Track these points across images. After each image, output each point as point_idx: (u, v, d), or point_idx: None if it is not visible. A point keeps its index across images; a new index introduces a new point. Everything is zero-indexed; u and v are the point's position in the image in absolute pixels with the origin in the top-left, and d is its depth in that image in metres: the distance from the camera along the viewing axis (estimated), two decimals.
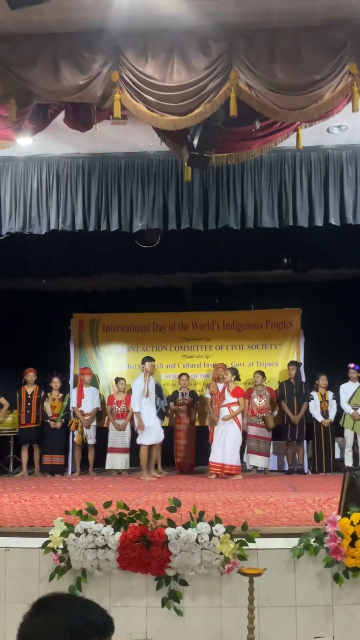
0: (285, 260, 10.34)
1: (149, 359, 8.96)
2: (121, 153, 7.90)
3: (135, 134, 7.18)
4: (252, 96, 5.57)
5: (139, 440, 8.72)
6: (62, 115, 6.36)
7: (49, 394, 9.65)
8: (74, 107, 6.19)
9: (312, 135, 7.17)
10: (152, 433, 8.58)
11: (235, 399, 8.73)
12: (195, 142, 6.10)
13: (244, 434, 9.57)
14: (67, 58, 5.54)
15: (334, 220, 7.67)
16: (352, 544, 3.79)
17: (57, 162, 7.96)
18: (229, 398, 8.75)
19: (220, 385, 9.66)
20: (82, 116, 6.23)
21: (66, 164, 7.94)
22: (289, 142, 6.59)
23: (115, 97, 5.61)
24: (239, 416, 8.83)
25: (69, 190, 7.88)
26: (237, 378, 9.09)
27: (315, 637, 3.78)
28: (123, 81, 5.63)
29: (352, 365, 9.59)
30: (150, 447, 8.63)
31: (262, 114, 5.87)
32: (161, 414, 9.65)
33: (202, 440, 9.77)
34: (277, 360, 10.46)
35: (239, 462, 8.69)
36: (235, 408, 8.71)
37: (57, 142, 7.50)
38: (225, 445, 8.53)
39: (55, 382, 9.70)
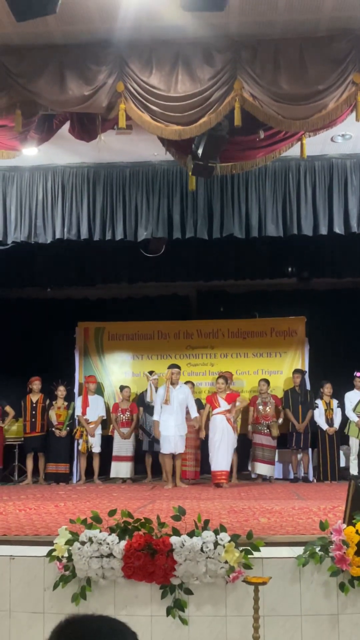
0: (290, 269, 10.37)
1: (172, 366, 8.82)
2: (126, 163, 7.95)
3: (140, 143, 7.23)
4: (256, 106, 5.61)
5: (161, 449, 8.75)
6: (67, 125, 6.41)
7: (54, 402, 9.67)
8: (79, 118, 6.24)
9: (316, 144, 7.21)
10: (170, 442, 8.42)
11: (229, 406, 8.83)
12: (200, 151, 6.14)
13: (249, 442, 9.58)
14: (72, 69, 5.60)
15: (338, 229, 7.69)
16: (357, 553, 3.78)
17: (62, 171, 8.02)
18: (224, 405, 8.81)
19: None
20: (87, 126, 6.28)
21: (71, 174, 7.99)
22: (293, 151, 6.61)
23: (120, 108, 5.66)
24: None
25: (74, 200, 7.94)
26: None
27: None
28: (128, 91, 5.68)
29: (358, 373, 9.58)
30: (172, 456, 8.53)
31: (266, 124, 5.91)
32: None
33: (207, 448, 9.74)
34: (281, 368, 10.46)
35: (227, 466, 8.74)
36: (229, 415, 8.80)
37: (63, 152, 7.56)
38: (220, 451, 8.58)
39: (61, 391, 9.72)
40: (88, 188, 7.94)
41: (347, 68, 5.55)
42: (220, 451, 8.58)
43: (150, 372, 9.98)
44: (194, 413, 8.57)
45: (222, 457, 8.60)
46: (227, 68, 5.61)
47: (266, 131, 6.23)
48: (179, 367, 8.82)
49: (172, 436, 8.38)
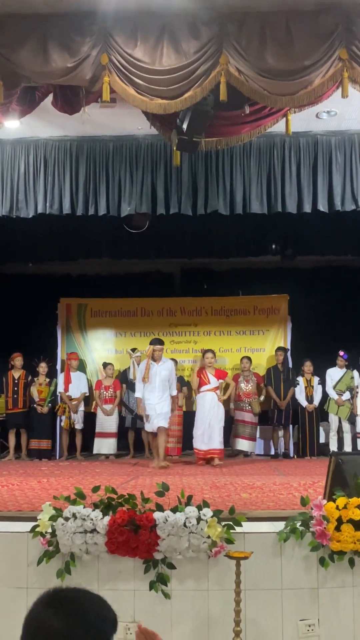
0: (274, 247, 10.36)
1: (153, 342, 8.31)
2: (109, 136, 7.84)
3: (124, 117, 7.13)
4: (241, 81, 5.55)
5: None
6: (50, 97, 6.29)
7: (35, 378, 9.63)
8: (62, 90, 6.13)
9: (302, 121, 7.17)
10: (150, 420, 8.06)
11: (218, 382, 8.66)
12: (185, 126, 6.07)
13: (231, 419, 9.64)
14: (55, 40, 5.49)
15: (323, 206, 7.68)
16: (337, 528, 3.84)
17: (44, 145, 7.89)
18: (214, 381, 8.62)
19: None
20: (71, 99, 6.18)
21: (54, 147, 7.87)
22: (278, 127, 6.57)
23: (104, 80, 5.57)
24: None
25: (56, 174, 7.82)
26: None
27: (300, 620, 3.84)
28: (112, 64, 5.59)
29: (341, 353, 9.66)
30: (153, 434, 8.18)
31: (251, 99, 5.86)
32: None
33: (189, 425, 9.80)
34: (264, 346, 10.52)
35: (222, 444, 8.53)
36: (219, 392, 8.67)
37: (45, 125, 7.43)
38: (213, 430, 8.37)
39: (42, 367, 9.68)
40: (71, 162, 7.82)
41: (333, 43, 5.50)
42: (214, 430, 8.37)
43: (133, 350, 9.98)
44: (173, 391, 8.19)
45: (216, 435, 8.39)
46: (213, 41, 5.53)
47: (251, 106, 6.18)
48: (162, 343, 8.31)
49: (152, 415, 7.99)
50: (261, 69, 5.53)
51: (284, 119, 6.37)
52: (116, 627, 1.48)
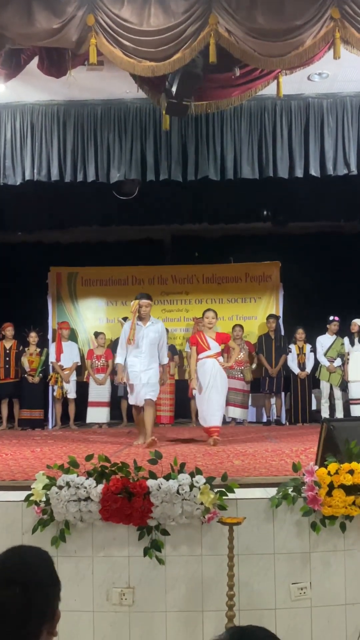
0: (265, 213, 10.27)
1: (140, 296, 7.05)
2: (97, 100, 7.67)
3: (112, 80, 6.97)
4: (231, 42, 5.43)
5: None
6: (35, 60, 6.13)
7: (26, 348, 9.60)
8: (48, 52, 5.97)
9: (293, 83, 7.02)
10: (134, 391, 6.88)
11: (219, 347, 7.27)
12: (174, 89, 5.95)
13: None
14: (40, 0, 5.32)
15: (314, 171, 7.58)
16: (329, 493, 3.87)
17: (31, 109, 7.71)
18: (215, 346, 7.17)
19: None
20: (57, 62, 6.02)
21: (40, 112, 7.69)
22: (269, 90, 6.44)
23: (90, 42, 5.44)
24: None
25: (44, 140, 7.66)
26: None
27: (292, 583, 3.90)
28: (99, 25, 5.45)
29: (335, 317, 9.66)
30: (137, 408, 7.00)
31: (242, 61, 5.73)
32: None
33: (181, 393, 9.85)
34: (256, 313, 10.51)
35: (220, 421, 7.20)
36: (222, 359, 7.33)
37: (31, 89, 7.25)
38: (211, 403, 7.01)
39: (33, 337, 9.64)
40: (58, 127, 7.66)
41: (325, 2, 5.37)
42: (212, 403, 6.99)
43: (124, 319, 9.93)
44: (163, 359, 7.02)
45: (216, 410, 7.05)
46: (202, 1, 5.41)
47: (242, 69, 6.06)
48: (149, 298, 7.08)
49: (136, 385, 6.81)
50: (251, 30, 5.41)
51: (275, 81, 6.25)
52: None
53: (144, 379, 6.79)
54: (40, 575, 1.49)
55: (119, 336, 9.83)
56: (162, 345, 6.99)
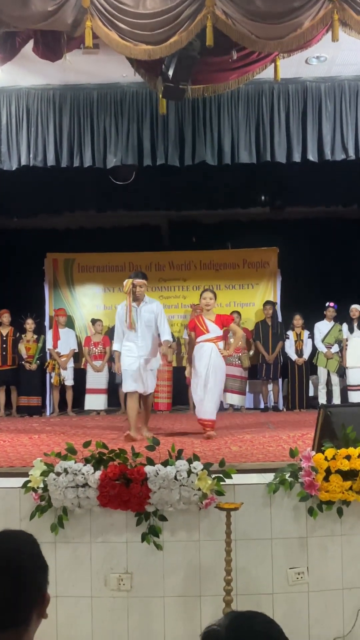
0: (263, 198, 10.22)
1: (135, 275, 6.54)
2: (93, 84, 7.59)
3: (108, 64, 6.89)
4: (228, 25, 5.37)
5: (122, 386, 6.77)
6: (31, 44, 6.05)
7: (23, 335, 9.58)
8: (43, 36, 5.89)
9: (290, 67, 6.95)
10: (133, 378, 6.36)
11: (220, 331, 6.59)
12: (171, 72, 5.89)
13: None
14: None
15: (312, 156, 7.53)
16: (326, 479, 3.88)
17: (26, 94, 7.62)
18: (214, 329, 6.51)
19: None
20: (52, 45, 5.94)
21: (36, 96, 7.61)
22: (267, 73, 6.36)
23: (86, 25, 5.37)
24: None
25: (39, 124, 7.58)
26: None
27: (290, 568, 3.91)
28: (94, 7, 5.38)
29: (331, 303, 9.65)
30: (137, 397, 6.47)
31: (239, 44, 5.66)
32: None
33: (179, 380, 9.85)
34: (253, 300, 10.49)
35: (214, 413, 6.50)
36: (221, 344, 6.60)
37: (26, 72, 7.16)
38: (207, 393, 6.38)
39: (29, 324, 9.61)
40: (54, 112, 7.58)
41: None
42: (207, 393, 6.36)
43: None
44: (165, 335, 6.45)
45: (209, 401, 6.40)
46: None
47: (239, 52, 5.98)
48: (144, 277, 6.54)
49: (135, 370, 6.34)
50: (248, 12, 5.34)
51: (273, 65, 6.18)
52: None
53: (145, 365, 6.40)
54: (28, 559, 1.48)
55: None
56: (161, 322, 6.48)
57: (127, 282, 6.37)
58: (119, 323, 6.49)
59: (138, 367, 6.35)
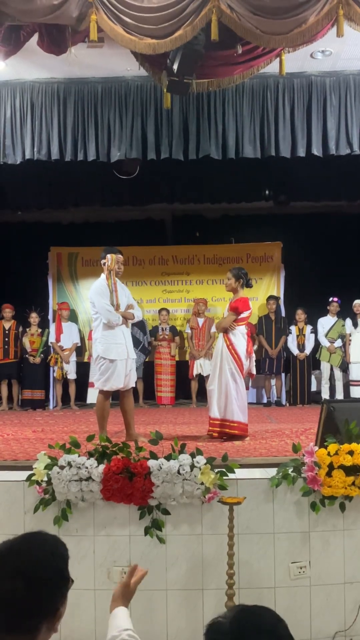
0: (267, 192, 10.20)
1: (114, 250, 5.86)
2: (98, 78, 7.58)
3: (113, 58, 6.89)
4: (233, 19, 5.35)
5: (96, 383, 5.76)
6: (35, 37, 6.04)
7: (27, 329, 9.60)
8: (48, 29, 5.88)
9: (295, 61, 6.94)
10: (124, 371, 5.59)
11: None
12: (175, 67, 5.88)
13: None
14: None
15: (317, 151, 7.52)
16: (328, 474, 3.90)
17: (31, 87, 7.62)
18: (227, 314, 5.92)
19: (201, 320, 9.73)
20: (57, 39, 5.93)
21: (40, 90, 7.61)
22: (272, 67, 6.36)
23: (91, 19, 5.37)
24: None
25: (44, 118, 7.58)
26: (247, 284, 6.20)
27: (292, 562, 3.93)
28: (99, 1, 5.38)
29: (335, 298, 9.65)
30: (125, 393, 5.74)
31: (244, 39, 5.64)
32: (144, 350, 9.66)
33: (182, 374, 9.88)
34: (257, 294, 10.47)
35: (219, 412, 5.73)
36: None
37: (31, 66, 7.17)
38: (213, 391, 5.75)
39: (34, 318, 9.63)
40: (58, 105, 7.58)
41: None
42: (214, 391, 5.74)
43: None
44: (136, 311, 5.76)
45: (211, 398, 5.77)
46: None
47: (244, 46, 5.96)
48: (119, 252, 5.87)
49: (122, 362, 5.55)
50: (254, 6, 5.32)
51: (278, 59, 6.16)
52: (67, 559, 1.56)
53: (132, 354, 5.71)
54: (48, 570, 1.46)
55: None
56: (133, 303, 5.85)
57: (111, 258, 5.68)
58: (108, 300, 5.57)
59: (126, 357, 5.62)
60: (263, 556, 3.93)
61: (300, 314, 9.75)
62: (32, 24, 5.80)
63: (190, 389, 9.77)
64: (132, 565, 2.11)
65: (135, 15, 5.39)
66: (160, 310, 9.98)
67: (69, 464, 3.96)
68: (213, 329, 8.91)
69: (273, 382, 9.90)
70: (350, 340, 9.43)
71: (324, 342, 9.58)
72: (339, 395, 9.45)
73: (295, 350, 9.73)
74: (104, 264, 5.72)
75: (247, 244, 10.56)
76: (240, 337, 5.81)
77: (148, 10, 5.39)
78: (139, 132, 7.53)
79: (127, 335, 5.66)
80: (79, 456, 4.02)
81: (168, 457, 3.96)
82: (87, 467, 3.94)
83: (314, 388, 9.90)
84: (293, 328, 9.78)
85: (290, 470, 3.99)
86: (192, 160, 7.73)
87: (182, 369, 9.90)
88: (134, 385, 5.84)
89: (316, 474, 3.90)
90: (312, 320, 9.77)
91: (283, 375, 10.00)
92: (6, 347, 9.50)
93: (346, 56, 7.19)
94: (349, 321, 9.49)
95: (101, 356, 5.55)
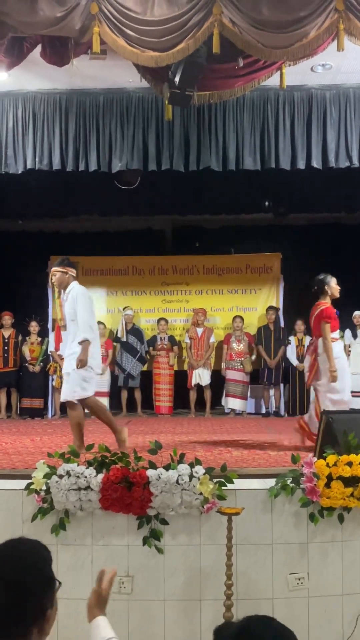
0: (267, 204, 10.24)
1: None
2: (100, 89, 7.64)
3: (115, 69, 6.94)
4: (235, 33, 5.40)
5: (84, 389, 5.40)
6: (38, 48, 6.09)
7: (27, 338, 9.61)
8: (51, 41, 5.93)
9: (296, 74, 7.00)
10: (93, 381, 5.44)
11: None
12: (177, 79, 5.93)
13: (223, 378, 9.70)
14: None
15: (317, 163, 7.57)
16: (327, 485, 3.90)
17: (33, 98, 7.68)
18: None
19: (200, 330, 9.75)
20: (60, 50, 5.97)
21: (43, 100, 7.66)
22: (272, 80, 6.41)
23: (94, 31, 5.41)
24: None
25: (45, 128, 7.64)
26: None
27: (290, 574, 3.93)
28: (102, 14, 5.41)
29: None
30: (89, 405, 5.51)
31: (245, 52, 5.70)
32: (141, 360, 9.69)
33: (180, 384, 9.88)
34: (256, 305, 10.52)
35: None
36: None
37: (34, 77, 7.23)
38: None
39: (33, 326, 9.65)
40: (60, 116, 7.63)
41: None
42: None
43: (125, 308, 9.97)
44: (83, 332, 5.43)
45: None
46: None
47: (245, 59, 6.01)
48: (61, 264, 5.94)
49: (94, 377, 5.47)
50: (255, 20, 5.37)
51: (278, 72, 6.22)
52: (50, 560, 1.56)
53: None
54: (33, 574, 1.46)
55: (117, 327, 9.92)
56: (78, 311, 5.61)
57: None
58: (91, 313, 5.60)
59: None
60: (261, 567, 3.93)
61: (299, 325, 9.77)
62: (36, 35, 5.85)
63: (189, 399, 9.77)
64: (99, 572, 2.14)
65: (138, 28, 5.44)
66: (159, 320, 10.01)
67: (68, 473, 3.96)
68: (212, 339, 8.98)
69: (272, 392, 9.90)
70: (349, 351, 9.43)
71: None
72: None
73: (294, 361, 9.74)
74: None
75: (247, 254, 10.61)
76: None
77: (150, 23, 5.44)
78: (140, 143, 7.58)
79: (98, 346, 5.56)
80: (78, 465, 4.03)
81: (167, 467, 3.97)
82: (86, 476, 3.94)
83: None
84: (292, 339, 9.79)
85: (289, 481, 3.99)
86: (192, 172, 7.78)
87: (180, 378, 9.90)
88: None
89: (315, 485, 3.91)
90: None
91: (282, 385, 10.00)
92: (5, 355, 9.50)
93: (346, 70, 7.26)
94: (348, 332, 9.50)
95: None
